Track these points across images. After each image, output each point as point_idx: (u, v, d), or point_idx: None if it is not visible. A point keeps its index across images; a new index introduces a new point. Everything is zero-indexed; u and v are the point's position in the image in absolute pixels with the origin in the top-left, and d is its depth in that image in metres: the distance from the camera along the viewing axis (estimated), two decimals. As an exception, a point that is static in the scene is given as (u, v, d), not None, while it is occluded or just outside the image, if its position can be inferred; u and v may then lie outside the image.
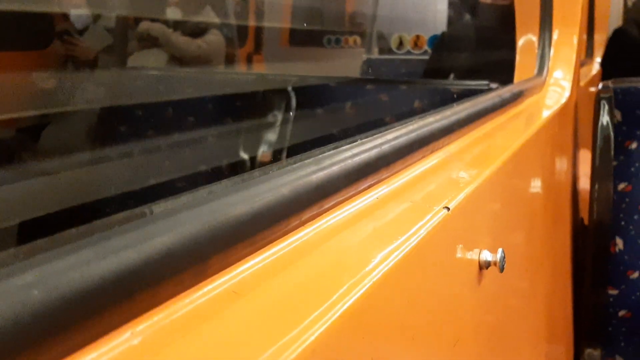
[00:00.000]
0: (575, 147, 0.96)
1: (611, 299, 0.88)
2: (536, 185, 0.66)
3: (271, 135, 1.03)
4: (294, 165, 0.25)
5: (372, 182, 0.31)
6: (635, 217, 0.89)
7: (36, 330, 0.14)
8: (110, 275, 0.16)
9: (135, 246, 0.16)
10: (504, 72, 0.95)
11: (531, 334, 0.64)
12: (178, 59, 1.65)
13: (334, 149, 0.28)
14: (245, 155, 1.02)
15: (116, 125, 1.11)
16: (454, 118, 0.44)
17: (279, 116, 1.03)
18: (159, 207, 0.19)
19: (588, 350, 0.88)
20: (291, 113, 1.02)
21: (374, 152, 0.31)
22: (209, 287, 0.19)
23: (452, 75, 1.46)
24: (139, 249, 0.16)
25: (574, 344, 0.89)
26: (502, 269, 0.37)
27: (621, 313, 0.87)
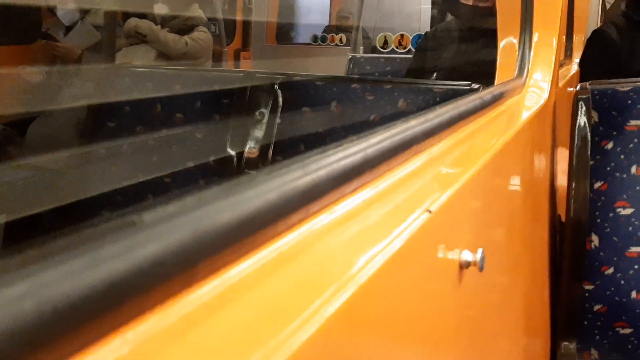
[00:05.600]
0: (554, 147, 0.98)
1: (587, 294, 0.90)
2: (516, 184, 0.68)
3: (258, 132, 1.03)
4: (280, 171, 0.26)
5: (357, 186, 0.31)
6: (611, 214, 0.91)
7: (28, 342, 0.14)
8: (101, 284, 0.16)
9: (125, 255, 0.17)
10: (485, 73, 0.96)
11: (510, 328, 0.65)
12: (166, 56, 1.64)
13: (319, 153, 0.29)
14: (232, 152, 1.02)
15: (102, 121, 1.10)
16: (436, 121, 0.45)
17: (266, 113, 1.03)
18: (148, 215, 0.19)
19: (564, 344, 0.91)
20: (278, 110, 1.02)
21: (358, 156, 0.31)
22: (198, 292, 0.19)
23: (434, 75, 1.47)
24: (128, 257, 0.17)
25: (550, 337, 0.92)
26: (481, 269, 0.39)
27: (596, 307, 0.90)
